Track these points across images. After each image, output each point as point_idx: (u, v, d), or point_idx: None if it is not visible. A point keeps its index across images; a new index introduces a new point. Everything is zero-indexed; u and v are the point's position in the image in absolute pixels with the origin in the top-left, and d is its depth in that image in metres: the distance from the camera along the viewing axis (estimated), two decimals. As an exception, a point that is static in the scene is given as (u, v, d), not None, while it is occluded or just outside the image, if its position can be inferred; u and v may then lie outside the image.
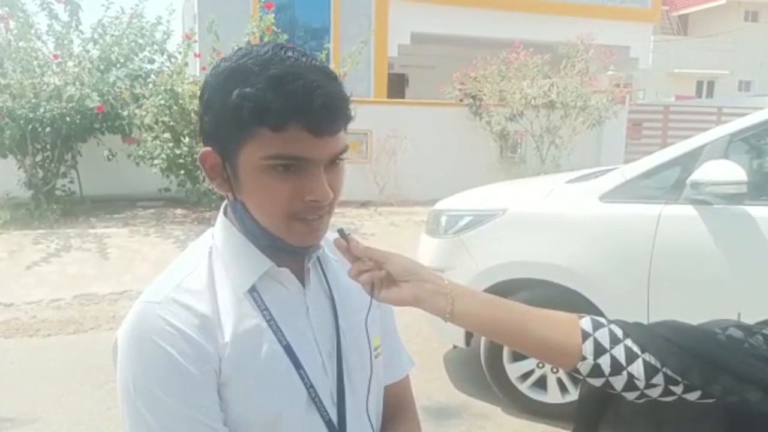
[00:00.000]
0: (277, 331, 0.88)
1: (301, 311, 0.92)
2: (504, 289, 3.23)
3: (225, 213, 0.93)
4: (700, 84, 27.98)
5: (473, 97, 10.94)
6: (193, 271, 0.89)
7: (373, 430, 1.00)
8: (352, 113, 0.85)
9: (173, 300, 0.84)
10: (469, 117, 11.01)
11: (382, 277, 0.88)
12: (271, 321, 0.88)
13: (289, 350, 0.88)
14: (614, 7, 14.63)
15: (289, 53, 0.82)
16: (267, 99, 0.78)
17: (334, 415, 0.91)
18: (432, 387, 3.70)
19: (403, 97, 15.62)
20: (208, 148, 0.87)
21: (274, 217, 0.85)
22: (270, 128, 0.79)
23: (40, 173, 8.44)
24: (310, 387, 0.88)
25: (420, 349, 4.18)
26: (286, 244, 0.88)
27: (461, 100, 11.16)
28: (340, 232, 0.90)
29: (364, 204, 9.73)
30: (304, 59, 0.82)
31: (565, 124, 10.51)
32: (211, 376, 0.83)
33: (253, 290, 0.88)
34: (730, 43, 27.00)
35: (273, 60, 0.80)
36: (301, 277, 0.94)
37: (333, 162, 0.85)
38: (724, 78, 27.31)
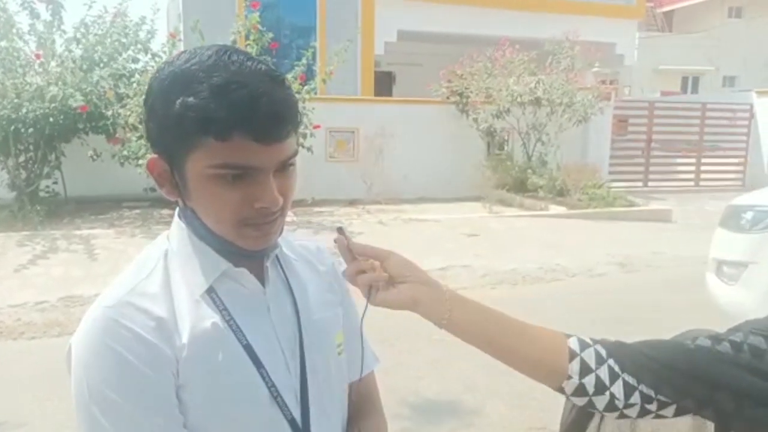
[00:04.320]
0: (237, 331, 0.87)
1: (261, 310, 0.91)
2: None
3: (179, 216, 0.92)
4: (685, 80, 28.19)
5: (460, 95, 10.96)
6: (149, 274, 0.87)
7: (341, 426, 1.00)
8: (300, 118, 0.84)
9: (128, 303, 0.83)
10: (456, 114, 11.04)
11: (384, 280, 0.87)
12: (230, 321, 0.87)
13: (249, 350, 0.87)
14: (599, 3, 14.70)
15: (234, 57, 0.80)
16: (210, 109, 0.76)
17: (297, 414, 0.90)
18: (420, 384, 3.70)
19: (390, 95, 15.61)
20: (155, 156, 0.85)
21: (223, 224, 0.84)
22: (215, 138, 0.77)
23: (24, 174, 8.36)
24: (271, 386, 0.87)
25: (408, 347, 4.18)
26: (239, 248, 0.87)
27: (448, 98, 11.18)
28: (340, 230, 0.90)
29: (351, 202, 9.73)
30: (249, 63, 0.80)
31: (551, 121, 10.57)
32: (168, 379, 0.82)
33: (211, 291, 0.87)
34: (714, 39, 27.21)
35: (217, 66, 0.78)
36: (261, 276, 0.93)
37: (283, 166, 0.83)
38: (709, 74, 27.52)
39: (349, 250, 0.88)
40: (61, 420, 3.33)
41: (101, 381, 0.79)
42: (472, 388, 3.68)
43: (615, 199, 9.68)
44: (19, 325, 4.78)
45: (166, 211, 8.61)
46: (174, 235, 0.92)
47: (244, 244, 0.86)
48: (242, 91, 0.77)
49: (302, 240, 1.08)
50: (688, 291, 5.88)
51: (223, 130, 0.77)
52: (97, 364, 0.80)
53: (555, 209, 9.40)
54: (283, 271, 0.97)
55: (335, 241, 0.89)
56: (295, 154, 0.85)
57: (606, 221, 8.89)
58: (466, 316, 0.89)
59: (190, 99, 0.77)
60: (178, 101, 0.78)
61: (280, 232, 0.90)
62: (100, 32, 9.01)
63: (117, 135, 8.45)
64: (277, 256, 0.96)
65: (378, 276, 0.87)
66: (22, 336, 4.60)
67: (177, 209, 0.92)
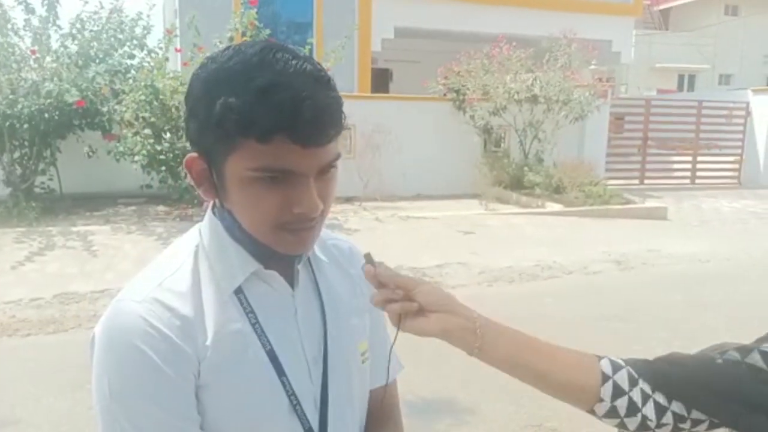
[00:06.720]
0: (261, 336, 0.85)
1: (288, 314, 0.90)
2: None
3: (213, 210, 0.90)
4: (681, 78, 28.27)
5: (457, 92, 10.96)
6: (177, 269, 0.86)
7: None
8: (345, 121, 0.82)
9: (155, 300, 0.82)
10: (452, 111, 11.03)
11: (414, 309, 0.86)
12: (255, 324, 0.85)
13: (272, 356, 0.85)
14: (597, 1, 14.69)
15: (279, 55, 0.77)
16: (252, 110, 0.74)
17: (315, 423, 0.89)
18: (416, 382, 3.70)
19: (387, 91, 15.58)
20: (194, 154, 0.84)
21: (261, 227, 0.83)
22: (256, 140, 0.76)
23: (19, 170, 8.34)
24: (291, 395, 0.86)
25: (403, 344, 4.16)
26: (275, 252, 0.86)
27: (445, 95, 11.17)
28: (367, 257, 0.88)
29: (348, 199, 9.72)
30: (294, 62, 0.77)
31: (548, 119, 10.57)
32: (189, 380, 0.81)
33: (239, 291, 0.86)
34: (710, 37, 27.28)
35: (261, 65, 0.76)
36: (291, 277, 0.91)
37: (324, 170, 0.82)
38: (705, 72, 27.60)
39: (376, 279, 0.86)
40: (57, 417, 3.33)
41: (122, 378, 0.79)
42: (467, 385, 3.69)
43: (611, 197, 9.70)
44: (14, 322, 4.77)
45: (161, 208, 8.59)
46: (206, 230, 0.90)
47: (280, 248, 0.84)
48: (285, 93, 0.74)
49: (335, 238, 1.06)
50: (683, 288, 5.90)
51: (264, 133, 0.75)
52: (119, 361, 0.79)
53: (551, 207, 9.40)
54: (314, 273, 0.96)
55: (363, 269, 0.87)
56: (338, 157, 0.82)
57: (602, 219, 8.91)
58: (495, 345, 0.89)
59: (232, 99, 0.75)
60: (220, 101, 0.76)
61: (317, 238, 0.88)
62: (95, 28, 8.99)
63: (113, 131, 8.43)
64: (308, 258, 0.94)
65: (408, 305, 0.86)
66: (17, 333, 4.59)
67: (211, 203, 0.90)
